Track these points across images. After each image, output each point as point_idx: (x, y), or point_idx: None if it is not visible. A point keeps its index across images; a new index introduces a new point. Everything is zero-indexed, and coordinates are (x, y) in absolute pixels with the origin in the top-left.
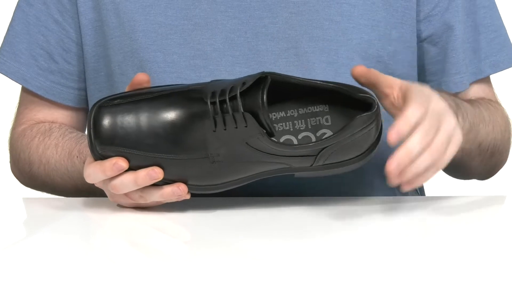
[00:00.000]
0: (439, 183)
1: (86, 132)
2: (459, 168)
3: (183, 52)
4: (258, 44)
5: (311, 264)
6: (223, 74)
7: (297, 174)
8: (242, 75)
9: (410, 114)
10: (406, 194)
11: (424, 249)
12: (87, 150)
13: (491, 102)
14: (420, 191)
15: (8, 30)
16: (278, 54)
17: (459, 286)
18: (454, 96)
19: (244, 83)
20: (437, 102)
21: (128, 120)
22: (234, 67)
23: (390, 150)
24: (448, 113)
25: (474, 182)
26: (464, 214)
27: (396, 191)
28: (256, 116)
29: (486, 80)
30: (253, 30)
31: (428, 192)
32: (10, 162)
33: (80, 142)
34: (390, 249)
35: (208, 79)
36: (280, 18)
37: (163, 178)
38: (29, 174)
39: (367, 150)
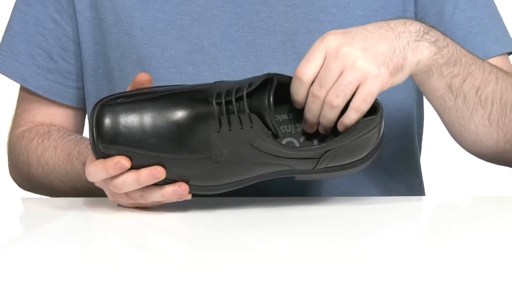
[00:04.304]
0: (440, 183)
1: (84, 133)
2: (464, 125)
3: (181, 47)
4: (256, 38)
5: (311, 264)
6: (221, 68)
7: (298, 177)
8: (240, 69)
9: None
10: (407, 194)
11: (425, 249)
12: (86, 152)
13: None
14: (420, 191)
15: (7, 30)
16: (276, 48)
17: (459, 286)
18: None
19: (250, 84)
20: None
21: (131, 119)
22: (232, 61)
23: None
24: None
25: (474, 182)
26: (465, 214)
27: (397, 192)
28: (261, 117)
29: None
30: (250, 25)
31: (428, 192)
32: (8, 165)
33: (80, 144)
34: (391, 249)
35: (206, 74)
36: (276, 11)
37: (165, 178)
38: (27, 176)
39: (368, 153)
